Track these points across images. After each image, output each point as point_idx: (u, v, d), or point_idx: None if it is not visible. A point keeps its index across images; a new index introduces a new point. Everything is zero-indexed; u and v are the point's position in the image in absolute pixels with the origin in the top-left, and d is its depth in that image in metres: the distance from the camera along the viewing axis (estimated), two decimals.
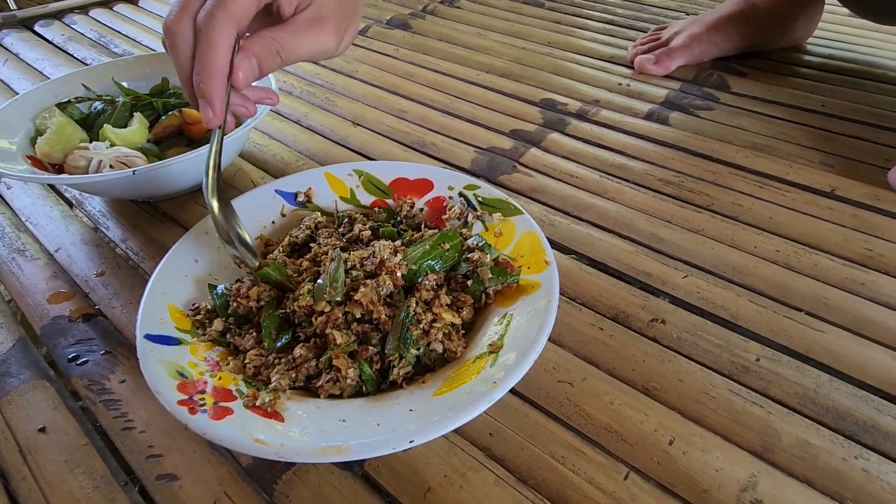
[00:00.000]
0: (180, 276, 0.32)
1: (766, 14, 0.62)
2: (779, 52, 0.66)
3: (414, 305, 0.29)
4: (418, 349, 0.28)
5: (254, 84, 0.33)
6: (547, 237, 0.34)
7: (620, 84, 0.60)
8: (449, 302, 0.31)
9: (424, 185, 0.40)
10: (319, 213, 0.38)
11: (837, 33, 0.71)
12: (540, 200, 0.44)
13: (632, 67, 0.64)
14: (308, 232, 0.36)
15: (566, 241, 0.40)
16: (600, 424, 0.27)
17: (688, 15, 0.78)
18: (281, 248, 0.35)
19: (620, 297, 0.35)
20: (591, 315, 0.34)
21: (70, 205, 0.45)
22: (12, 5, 1.66)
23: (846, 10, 0.65)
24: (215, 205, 0.31)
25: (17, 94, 0.60)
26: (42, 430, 0.28)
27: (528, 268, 0.32)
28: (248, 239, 0.33)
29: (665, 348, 0.31)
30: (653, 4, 0.82)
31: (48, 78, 0.63)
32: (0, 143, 0.40)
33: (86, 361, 0.32)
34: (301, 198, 0.39)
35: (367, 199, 0.40)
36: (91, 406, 0.30)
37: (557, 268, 0.31)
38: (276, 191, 0.39)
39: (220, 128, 0.29)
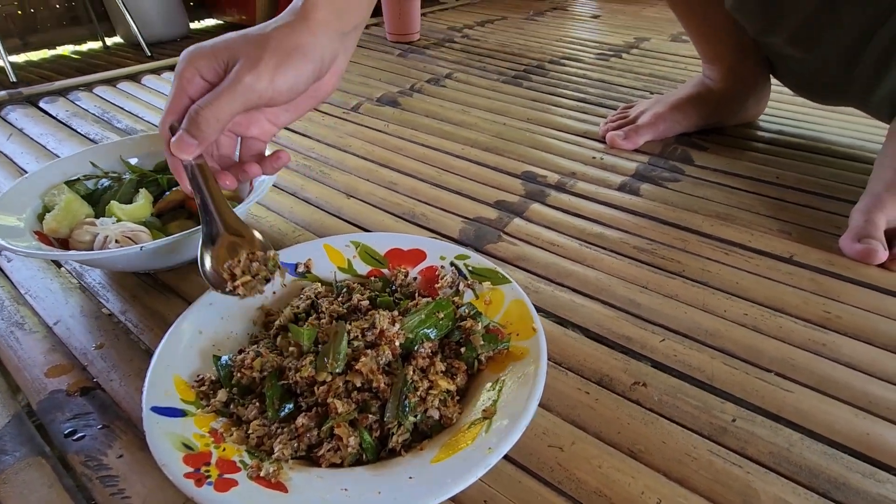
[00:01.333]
0: (184, 348, 0.33)
1: (720, 96, 0.69)
2: (735, 128, 0.73)
3: (411, 373, 0.31)
4: (416, 416, 0.30)
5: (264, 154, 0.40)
6: (533, 304, 0.36)
7: (594, 158, 0.66)
8: (444, 368, 0.32)
9: (418, 255, 0.43)
10: (319, 284, 0.40)
11: (786, 111, 0.79)
12: (525, 268, 0.47)
13: (604, 142, 0.69)
14: (309, 302, 0.37)
15: (550, 307, 0.42)
16: (590, 489, 0.29)
17: (651, 94, 0.86)
18: (282, 319, 0.36)
19: (604, 361, 0.37)
20: (577, 379, 0.35)
21: (70, 277, 0.46)
22: (11, 77, 1.73)
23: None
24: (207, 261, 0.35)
25: (21, 167, 0.62)
26: None
27: (517, 334, 0.35)
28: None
29: (648, 411, 0.33)
30: (620, 85, 0.91)
31: (52, 153, 0.65)
32: (8, 220, 0.41)
33: (83, 436, 0.32)
34: (301, 268, 0.41)
35: (363, 268, 0.42)
36: (87, 483, 0.30)
37: (544, 334, 0.33)
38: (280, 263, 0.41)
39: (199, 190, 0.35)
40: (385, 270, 0.42)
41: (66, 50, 2.17)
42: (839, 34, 0.53)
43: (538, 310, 0.41)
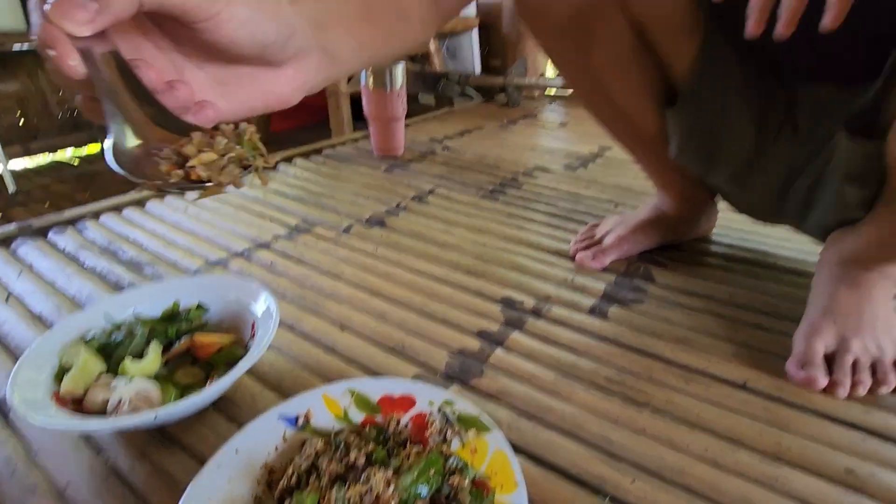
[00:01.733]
0: None
1: (674, 220, 0.77)
2: (690, 244, 0.81)
3: None
4: None
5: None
6: (515, 444, 0.40)
7: (566, 279, 0.72)
8: None
9: (408, 402, 0.46)
10: (319, 440, 0.43)
11: (735, 224, 0.88)
12: (508, 403, 0.51)
13: (573, 260, 0.76)
14: (309, 462, 0.41)
15: (531, 446, 0.46)
16: None
17: (616, 206, 0.95)
18: (285, 481, 0.39)
19: None
20: None
21: (79, 433, 0.49)
22: (10, 186, 1.80)
23: None
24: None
25: (31, 309, 0.66)
26: None
27: (501, 486, 0.38)
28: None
29: None
30: (587, 196, 1.00)
31: (61, 291, 0.70)
32: (30, 391, 0.44)
33: None
34: (301, 421, 0.45)
35: (358, 416, 0.46)
36: None
37: (526, 478, 0.37)
38: (279, 416, 0.45)
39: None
40: (378, 418, 0.46)
41: (64, 153, 2.25)
42: (768, 179, 0.62)
43: (520, 451, 0.45)
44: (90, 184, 1.66)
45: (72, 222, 0.90)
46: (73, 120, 2.37)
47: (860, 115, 0.48)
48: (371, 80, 1.14)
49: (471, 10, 2.02)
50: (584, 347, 0.58)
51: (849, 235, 0.59)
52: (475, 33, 2.07)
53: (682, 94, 0.61)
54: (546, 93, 1.94)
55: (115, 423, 0.41)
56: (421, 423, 0.45)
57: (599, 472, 0.43)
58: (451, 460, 0.40)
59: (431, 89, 1.75)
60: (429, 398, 0.46)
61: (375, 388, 0.48)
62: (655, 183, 0.78)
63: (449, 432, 0.43)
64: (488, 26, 2.06)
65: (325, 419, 0.46)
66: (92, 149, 2.33)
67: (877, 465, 0.43)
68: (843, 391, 0.50)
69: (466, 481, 0.38)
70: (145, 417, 0.41)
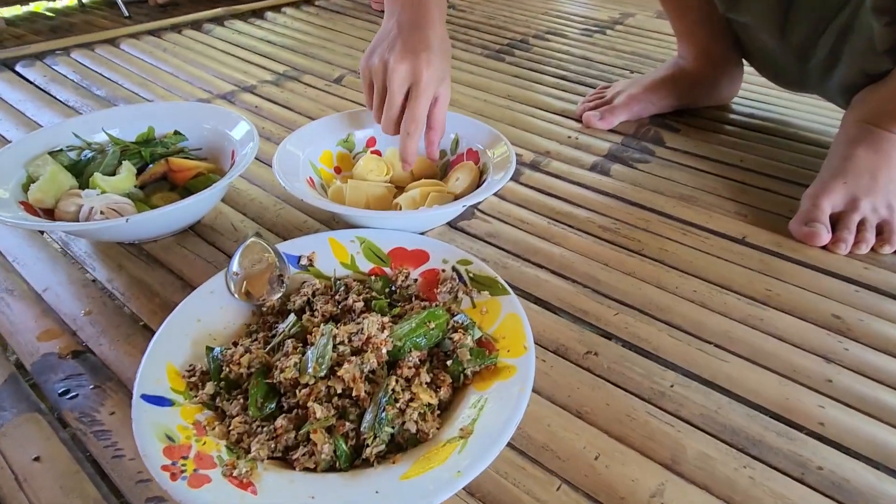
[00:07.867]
0: (181, 336, 0.35)
1: (693, 77, 0.71)
2: (708, 110, 0.75)
3: (393, 384, 0.31)
4: (393, 428, 0.30)
5: None
6: (502, 279, 0.38)
7: (570, 137, 0.68)
8: (428, 380, 0.32)
9: (421, 256, 0.42)
10: (318, 281, 0.40)
11: (759, 95, 0.81)
12: (495, 244, 0.49)
13: (580, 121, 0.71)
14: (305, 299, 0.38)
15: (516, 281, 0.45)
16: (538, 444, 0.32)
17: (631, 73, 0.88)
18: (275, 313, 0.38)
19: (561, 332, 0.40)
20: (537, 349, 0.39)
21: (56, 245, 0.48)
22: None
23: None
24: None
25: (1, 135, 0.63)
26: (36, 459, 0.31)
27: (508, 350, 0.34)
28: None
29: (597, 377, 0.37)
30: (601, 62, 0.92)
31: (32, 120, 0.65)
32: None
33: (76, 395, 0.35)
34: (304, 261, 0.42)
35: (366, 265, 0.42)
36: (82, 436, 0.32)
37: (534, 354, 0.33)
38: (283, 254, 0.41)
39: None
40: (387, 270, 0.42)
41: (39, 6, 2.08)
42: (795, 28, 0.55)
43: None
44: (67, 34, 1.53)
45: (39, 57, 0.83)
46: None
47: None
48: None
49: None
50: (580, 199, 0.56)
51: (872, 95, 0.54)
52: None
53: None
54: None
55: (86, 225, 0.39)
56: (431, 279, 0.41)
57: (582, 305, 0.43)
58: (457, 317, 0.37)
59: None
60: (443, 256, 0.42)
61: (388, 239, 0.43)
62: (677, 30, 0.70)
63: (460, 291, 0.39)
64: None
65: (330, 264, 0.42)
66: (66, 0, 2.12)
67: (865, 313, 0.42)
68: (845, 248, 0.48)
69: (469, 339, 0.34)
70: (117, 221, 0.39)
